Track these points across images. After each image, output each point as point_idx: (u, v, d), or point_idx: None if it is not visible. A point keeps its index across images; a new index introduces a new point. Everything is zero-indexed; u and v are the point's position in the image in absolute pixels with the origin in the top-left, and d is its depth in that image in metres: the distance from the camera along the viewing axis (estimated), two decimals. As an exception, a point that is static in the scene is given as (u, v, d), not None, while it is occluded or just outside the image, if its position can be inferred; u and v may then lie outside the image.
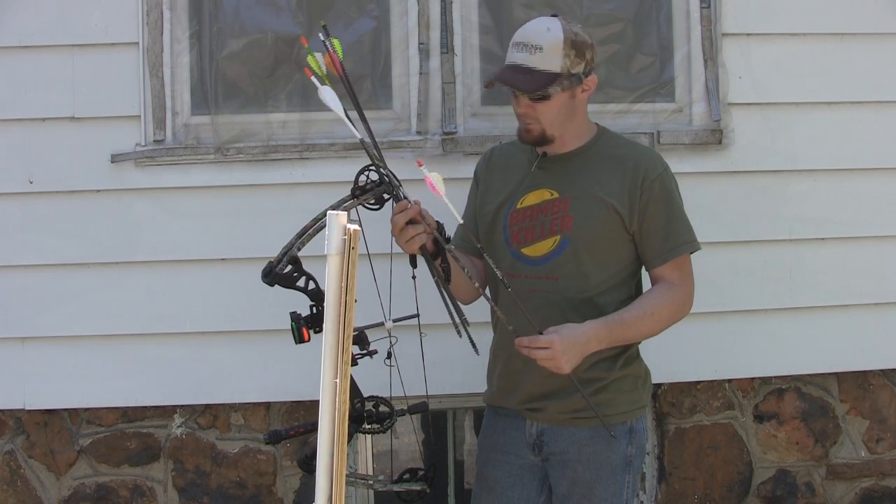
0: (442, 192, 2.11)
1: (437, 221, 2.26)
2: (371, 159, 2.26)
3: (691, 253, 2.44)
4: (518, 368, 2.40)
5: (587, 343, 2.26)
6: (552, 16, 2.41)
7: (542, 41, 2.32)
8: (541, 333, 2.22)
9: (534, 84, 2.32)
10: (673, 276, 2.40)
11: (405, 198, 2.22)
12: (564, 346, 2.21)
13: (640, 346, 2.48)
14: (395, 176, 2.26)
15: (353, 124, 2.28)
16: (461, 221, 2.19)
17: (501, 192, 2.49)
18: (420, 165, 2.14)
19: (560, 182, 2.42)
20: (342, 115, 2.27)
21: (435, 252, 2.26)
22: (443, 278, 2.24)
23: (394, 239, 2.24)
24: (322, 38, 2.28)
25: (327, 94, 2.26)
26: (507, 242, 2.44)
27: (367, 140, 2.29)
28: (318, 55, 2.26)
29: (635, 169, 2.39)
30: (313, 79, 2.26)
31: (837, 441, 3.39)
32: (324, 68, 2.26)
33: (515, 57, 2.35)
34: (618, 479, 2.40)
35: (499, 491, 2.48)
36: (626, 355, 2.42)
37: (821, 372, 3.34)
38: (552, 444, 2.41)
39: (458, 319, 2.20)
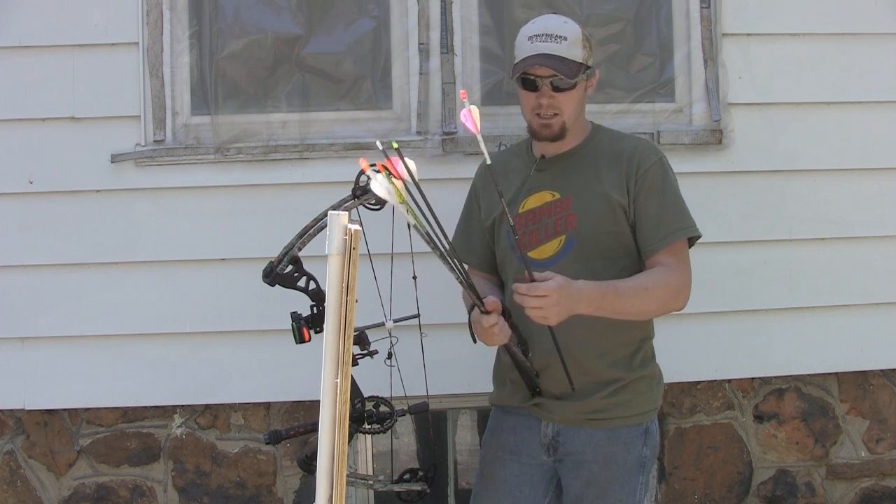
0: (478, 127, 1.94)
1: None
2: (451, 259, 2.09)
3: (690, 238, 2.41)
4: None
5: (578, 302, 2.21)
6: (553, 13, 2.45)
7: (565, 32, 2.36)
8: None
9: (570, 71, 2.34)
10: (668, 261, 2.37)
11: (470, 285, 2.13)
12: (560, 298, 2.15)
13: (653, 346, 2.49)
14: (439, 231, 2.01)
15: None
16: (487, 162, 2.03)
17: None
18: (464, 97, 2.01)
19: (560, 182, 2.42)
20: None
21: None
22: (531, 369, 2.36)
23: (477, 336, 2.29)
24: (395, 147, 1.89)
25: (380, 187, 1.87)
26: (512, 248, 2.44)
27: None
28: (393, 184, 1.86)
29: (630, 159, 2.40)
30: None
31: (837, 441, 3.39)
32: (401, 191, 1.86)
33: (542, 47, 2.34)
34: (633, 479, 2.41)
35: (506, 490, 2.46)
36: (641, 353, 2.42)
37: (821, 372, 3.34)
38: (568, 444, 2.41)
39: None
